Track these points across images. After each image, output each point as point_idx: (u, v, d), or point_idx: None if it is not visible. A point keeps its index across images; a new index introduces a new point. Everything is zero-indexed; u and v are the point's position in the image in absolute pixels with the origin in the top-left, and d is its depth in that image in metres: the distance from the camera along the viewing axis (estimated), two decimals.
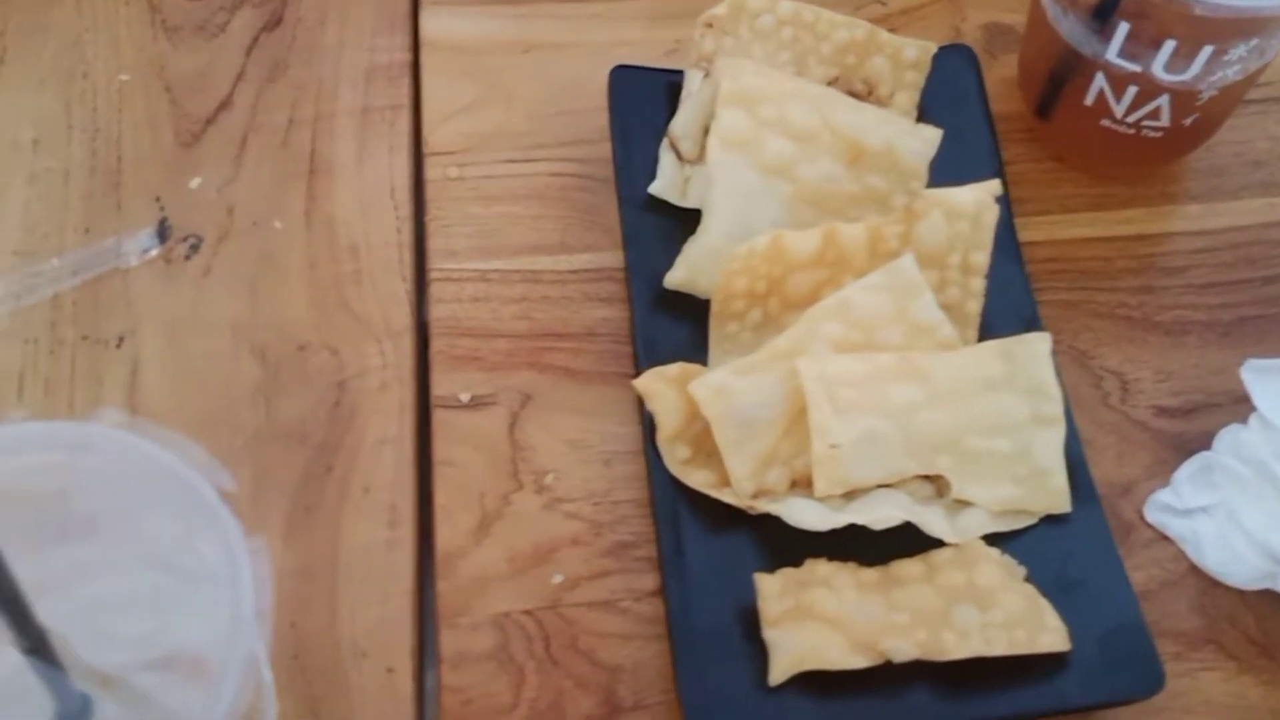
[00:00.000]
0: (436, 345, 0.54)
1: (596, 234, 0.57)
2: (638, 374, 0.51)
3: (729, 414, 0.47)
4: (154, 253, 0.56)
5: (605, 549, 0.50)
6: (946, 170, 0.54)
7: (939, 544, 0.47)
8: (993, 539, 0.47)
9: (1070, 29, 0.53)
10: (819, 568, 0.46)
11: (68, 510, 0.38)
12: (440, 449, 0.52)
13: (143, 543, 0.40)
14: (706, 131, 0.55)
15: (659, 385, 0.48)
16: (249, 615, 0.34)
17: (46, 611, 0.42)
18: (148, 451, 0.37)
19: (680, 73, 0.57)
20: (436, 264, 0.56)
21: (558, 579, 0.49)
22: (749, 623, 0.46)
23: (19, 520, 0.37)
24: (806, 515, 0.46)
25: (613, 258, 0.56)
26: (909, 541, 0.47)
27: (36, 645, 0.34)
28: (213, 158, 0.59)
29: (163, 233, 0.56)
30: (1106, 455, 0.52)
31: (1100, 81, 0.53)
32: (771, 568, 0.47)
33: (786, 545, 0.47)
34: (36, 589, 0.39)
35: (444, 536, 0.50)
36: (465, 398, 0.53)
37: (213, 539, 0.36)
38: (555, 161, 0.59)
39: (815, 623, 0.44)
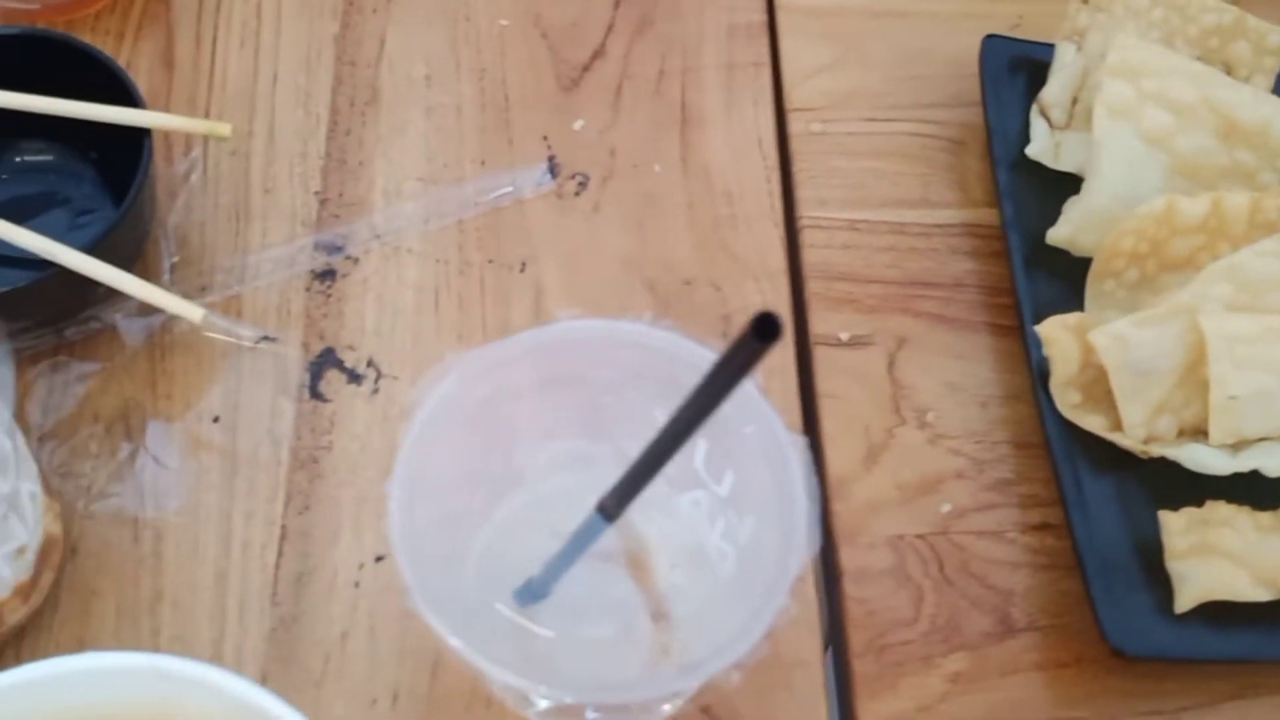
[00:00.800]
0: (812, 287, 0.58)
1: (956, 191, 0.61)
2: (1019, 324, 0.54)
3: (1126, 363, 0.51)
4: (546, 187, 0.60)
5: (988, 484, 0.53)
6: None
7: None
8: None
9: None
10: (1220, 509, 0.49)
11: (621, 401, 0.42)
12: (823, 382, 0.56)
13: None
14: (1075, 101, 0.58)
15: (1059, 332, 0.52)
16: (804, 493, 0.38)
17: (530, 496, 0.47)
18: (693, 349, 0.40)
19: (1040, 45, 0.61)
20: (807, 212, 0.60)
21: (946, 508, 0.53)
22: (1147, 554, 0.49)
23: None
24: (1209, 460, 0.50)
25: (973, 214, 0.60)
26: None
27: (615, 514, 0.38)
28: (592, 102, 0.62)
29: (553, 169, 0.60)
30: None
31: None
32: (1160, 506, 0.50)
33: (1173, 486, 0.51)
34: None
35: (834, 462, 0.54)
36: (844, 337, 0.56)
37: (760, 428, 0.39)
38: (912, 122, 0.63)
39: (1220, 558, 0.48)
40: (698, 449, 0.44)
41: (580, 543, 0.40)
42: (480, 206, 0.59)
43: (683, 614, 0.47)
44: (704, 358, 0.41)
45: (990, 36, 0.60)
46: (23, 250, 0.50)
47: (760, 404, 0.40)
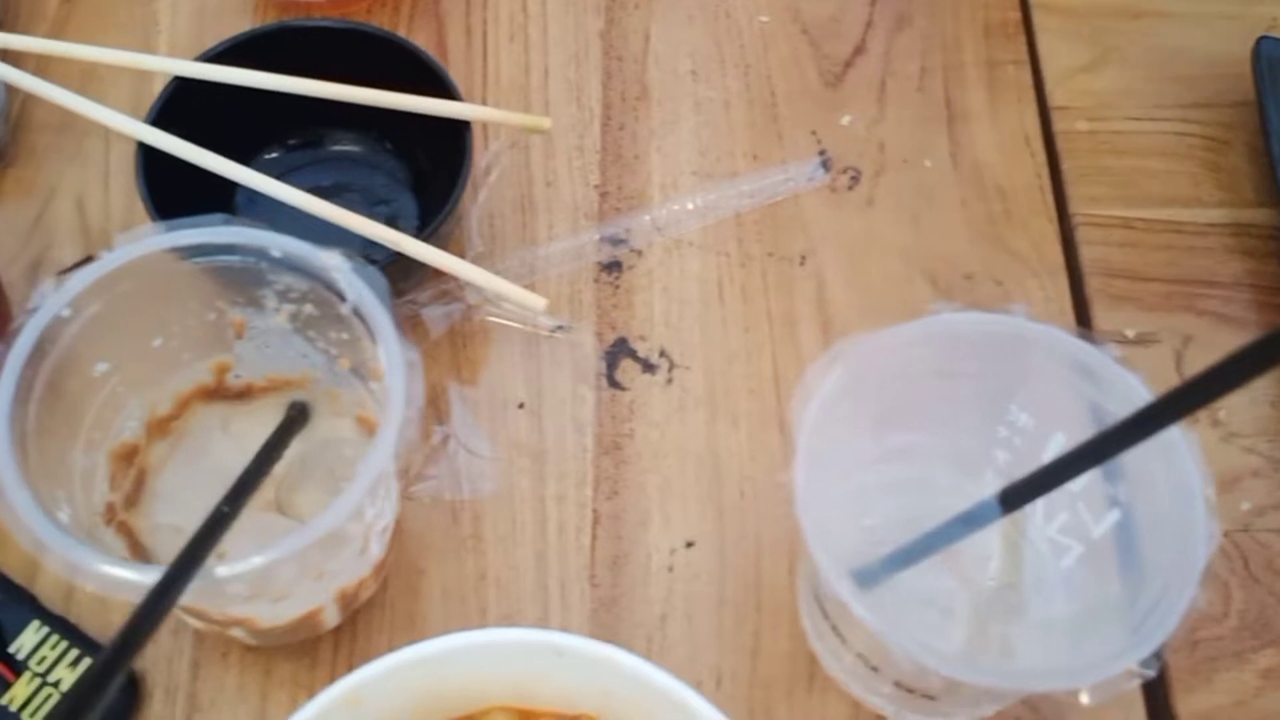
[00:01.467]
0: (1093, 284, 0.58)
1: (1226, 191, 0.61)
2: None
3: None
4: (819, 182, 0.61)
5: None
6: None
7: None
8: None
9: None
10: None
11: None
12: None
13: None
14: None
15: None
16: (1200, 485, 0.39)
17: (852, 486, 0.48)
18: (1072, 341, 0.41)
19: None
20: (1080, 209, 0.60)
21: (1245, 505, 0.53)
22: None
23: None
24: None
25: (1246, 214, 0.60)
26: None
27: (1016, 506, 0.39)
28: (856, 98, 0.63)
29: (825, 164, 0.61)
30: None
31: None
32: None
33: None
34: None
35: None
36: (1130, 334, 0.57)
37: None
38: (1175, 121, 0.63)
39: None
40: (1049, 446, 0.45)
41: (961, 529, 0.41)
42: (756, 200, 0.60)
43: (1016, 606, 0.47)
44: (1082, 349, 0.42)
45: (1264, 38, 0.61)
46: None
47: (1146, 396, 0.41)
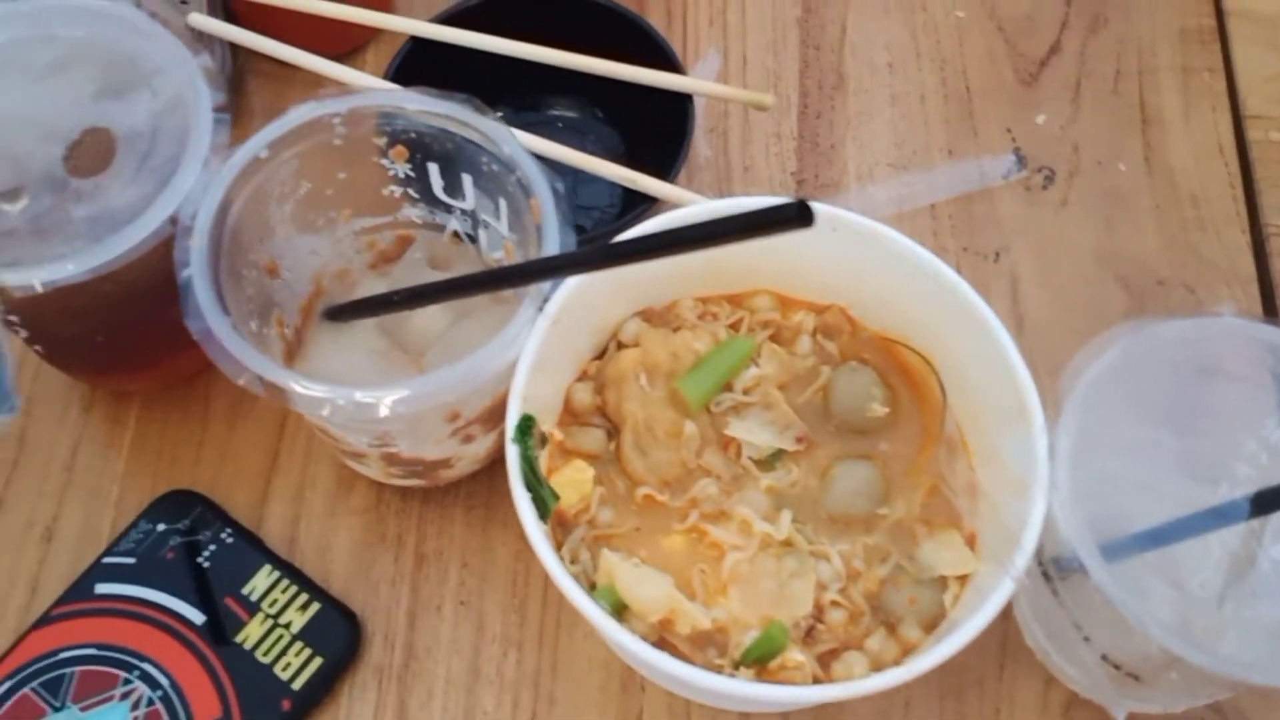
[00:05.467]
0: None
1: None
2: None
3: None
4: (1014, 179, 0.61)
5: None
6: None
7: None
8: None
9: None
10: None
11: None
12: None
13: None
14: None
15: None
16: None
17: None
18: None
19: None
20: (1272, 220, 0.61)
21: None
22: None
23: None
24: None
25: None
26: None
27: (1266, 512, 0.40)
28: (1051, 98, 0.64)
29: (1021, 161, 0.62)
30: None
31: None
32: None
33: None
34: None
35: None
36: None
37: None
38: None
39: None
40: None
41: (1206, 523, 0.41)
42: (949, 193, 0.61)
43: (1223, 613, 0.48)
44: None
45: None
46: None
47: None
